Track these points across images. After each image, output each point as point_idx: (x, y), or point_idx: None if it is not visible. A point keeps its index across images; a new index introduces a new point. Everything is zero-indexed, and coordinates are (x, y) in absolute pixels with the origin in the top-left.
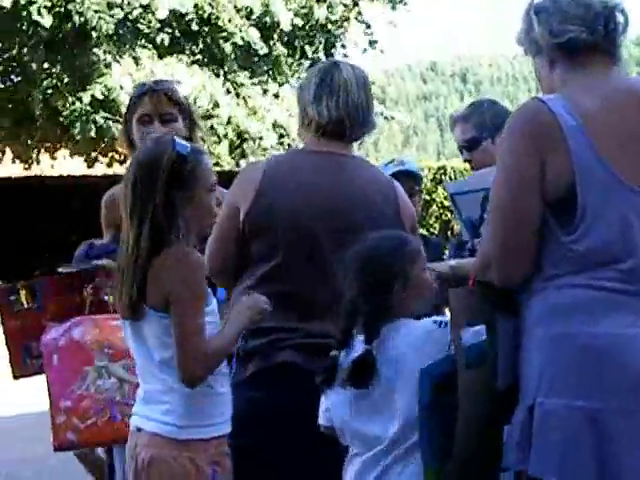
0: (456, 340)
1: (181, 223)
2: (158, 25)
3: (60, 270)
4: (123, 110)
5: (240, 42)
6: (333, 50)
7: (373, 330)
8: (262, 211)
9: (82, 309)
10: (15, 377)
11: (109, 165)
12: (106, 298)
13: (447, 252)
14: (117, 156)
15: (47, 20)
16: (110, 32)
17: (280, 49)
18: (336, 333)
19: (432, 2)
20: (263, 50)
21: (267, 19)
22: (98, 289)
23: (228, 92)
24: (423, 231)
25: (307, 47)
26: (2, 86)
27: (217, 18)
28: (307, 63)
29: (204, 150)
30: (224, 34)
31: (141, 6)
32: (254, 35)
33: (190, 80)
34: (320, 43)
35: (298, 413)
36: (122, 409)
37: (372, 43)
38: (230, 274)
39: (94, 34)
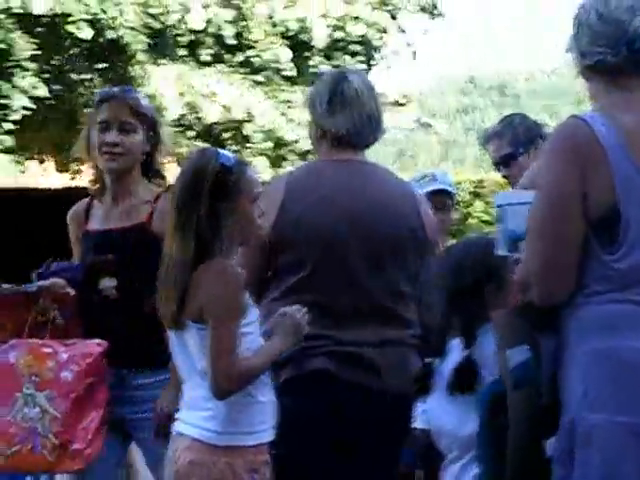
0: (502, 362)
1: (224, 234)
2: (193, 37)
3: (2, 288)
4: (165, 116)
5: (271, 58)
6: (372, 62)
7: (471, 334)
8: (288, 224)
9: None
10: None
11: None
12: (57, 320)
13: None
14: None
15: (86, 32)
16: (143, 48)
17: (317, 59)
18: (431, 341)
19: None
20: (292, 72)
21: (302, 36)
22: (44, 311)
23: (267, 98)
24: None
25: (347, 58)
26: (48, 95)
27: (251, 32)
28: None
29: (248, 162)
30: (257, 51)
31: (177, 20)
32: (283, 56)
33: (228, 89)
34: (359, 54)
35: (330, 421)
36: (42, 441)
37: (412, 58)
38: (255, 287)
39: (128, 49)
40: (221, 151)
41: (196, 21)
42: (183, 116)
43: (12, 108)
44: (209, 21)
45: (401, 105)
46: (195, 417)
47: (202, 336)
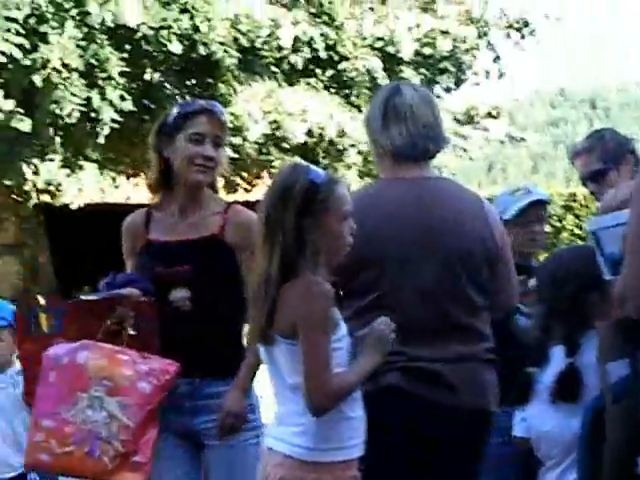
0: (603, 376)
1: (310, 251)
2: (283, 53)
3: (82, 297)
4: (249, 135)
5: (362, 70)
6: (463, 77)
7: (573, 343)
8: (361, 244)
9: (92, 337)
10: (26, 402)
11: (247, 190)
12: (130, 330)
13: None
14: (251, 182)
15: (176, 46)
16: (234, 65)
17: (408, 73)
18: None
19: (560, 28)
20: (384, 80)
21: (390, 48)
22: (121, 319)
23: (359, 112)
24: None
25: (437, 75)
26: (134, 109)
27: (343, 46)
28: (437, 89)
29: (340, 179)
30: (348, 62)
31: (266, 35)
32: (376, 64)
33: (320, 108)
34: (448, 71)
35: (405, 437)
36: (104, 447)
37: (501, 75)
38: None
39: (219, 65)
40: (312, 167)
41: (285, 38)
42: (267, 136)
43: (102, 121)
44: (297, 38)
45: (492, 117)
46: (286, 432)
47: (292, 352)
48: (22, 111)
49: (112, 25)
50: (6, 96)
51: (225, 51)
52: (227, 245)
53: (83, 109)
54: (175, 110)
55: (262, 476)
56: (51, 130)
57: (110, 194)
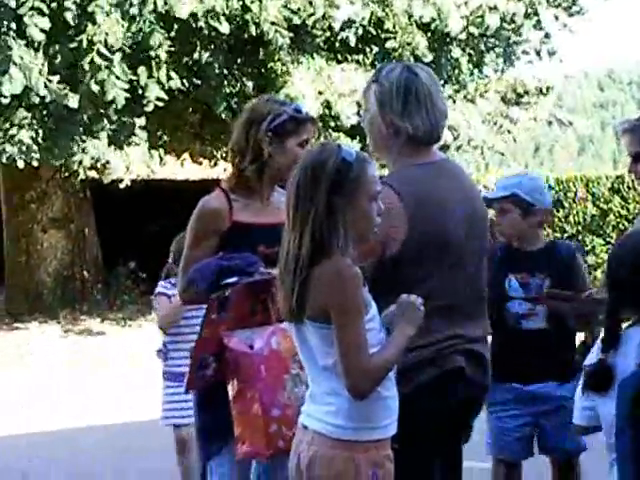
0: None
1: (342, 231)
2: (334, 32)
3: (244, 281)
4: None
5: (408, 48)
6: (513, 57)
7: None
8: (419, 236)
9: (248, 319)
10: (187, 389)
11: None
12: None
13: None
14: None
15: (225, 27)
16: (286, 45)
17: (457, 52)
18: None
19: (610, 8)
20: (427, 58)
21: (437, 24)
22: (272, 298)
23: None
24: (600, 240)
25: (486, 54)
26: (184, 88)
27: (391, 23)
28: (486, 69)
29: (370, 159)
30: (394, 41)
31: (321, 16)
32: (421, 43)
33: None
34: (498, 49)
35: (463, 418)
36: None
37: (551, 54)
38: None
39: (270, 46)
40: (343, 146)
41: (340, 18)
42: (320, 116)
43: (148, 98)
44: (349, 19)
45: (542, 94)
46: (319, 411)
47: (322, 335)
48: (67, 87)
49: (162, 11)
50: (52, 72)
51: (276, 31)
52: None
53: (126, 93)
54: (287, 112)
55: (294, 452)
56: (95, 108)
57: (156, 170)
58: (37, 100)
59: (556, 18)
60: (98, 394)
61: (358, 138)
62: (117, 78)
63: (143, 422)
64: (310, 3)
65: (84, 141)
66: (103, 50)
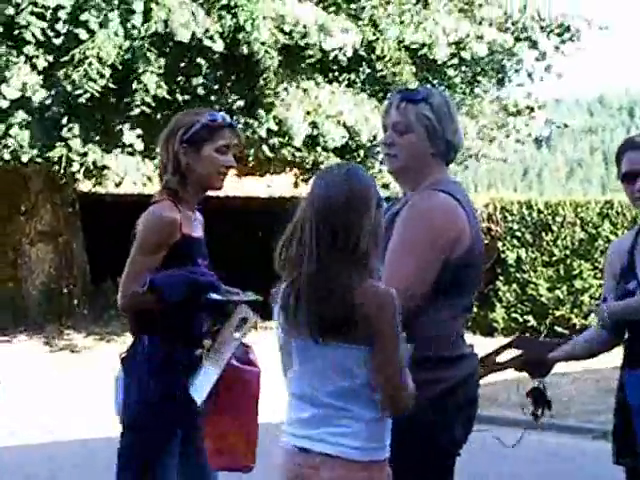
0: None
1: (373, 256)
2: (325, 53)
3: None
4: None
5: (397, 74)
6: (506, 77)
7: None
8: (476, 243)
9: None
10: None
11: (295, 185)
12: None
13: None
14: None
15: (219, 45)
16: (274, 66)
17: (450, 73)
18: None
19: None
20: (413, 84)
21: (425, 51)
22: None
23: None
24: (588, 264)
25: (477, 76)
26: (170, 98)
27: (380, 47)
28: (479, 90)
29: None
30: (382, 63)
31: (306, 38)
32: (407, 69)
33: (355, 110)
34: (487, 74)
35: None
36: None
37: (547, 68)
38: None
39: (260, 65)
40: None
41: (333, 44)
42: (310, 137)
43: (135, 102)
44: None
45: (532, 110)
46: (332, 434)
47: (352, 355)
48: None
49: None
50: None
51: (266, 51)
52: None
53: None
54: (200, 121)
55: (289, 477)
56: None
57: (146, 186)
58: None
59: (548, 37)
60: (80, 408)
61: (346, 157)
62: (97, 78)
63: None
64: (304, 27)
65: (64, 139)
66: (95, 64)
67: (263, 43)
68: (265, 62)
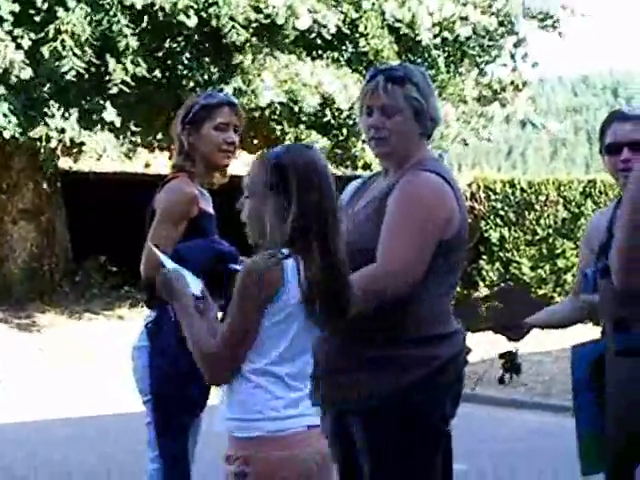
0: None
1: None
2: (299, 32)
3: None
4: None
5: (379, 53)
6: (488, 59)
7: None
8: (463, 225)
9: None
10: None
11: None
12: None
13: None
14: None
15: (193, 21)
16: (243, 41)
17: (433, 53)
18: None
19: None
20: (395, 62)
21: (407, 31)
22: None
23: None
24: (570, 243)
25: (460, 58)
26: (149, 76)
27: (363, 24)
28: (462, 69)
29: None
30: (367, 44)
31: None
32: (389, 49)
33: (336, 80)
34: (470, 55)
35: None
36: None
37: (525, 56)
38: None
39: (228, 40)
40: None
41: (303, 23)
42: (282, 104)
43: (114, 81)
44: (316, 21)
45: (517, 90)
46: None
47: None
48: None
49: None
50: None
51: (233, 27)
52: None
53: (89, 69)
54: (199, 102)
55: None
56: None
57: (127, 163)
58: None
59: (529, 24)
60: (63, 387)
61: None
62: (75, 55)
63: (107, 415)
64: (273, 7)
65: (49, 115)
66: (69, 41)
67: (232, 18)
68: (232, 37)
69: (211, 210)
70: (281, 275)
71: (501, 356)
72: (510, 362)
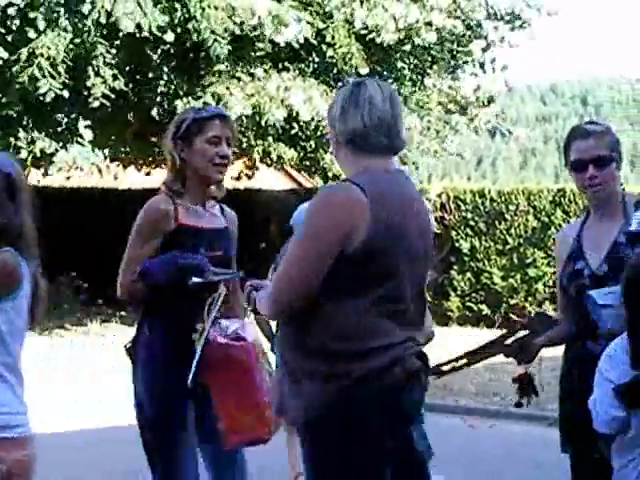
0: None
1: None
2: (276, 44)
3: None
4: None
5: (347, 60)
6: (457, 69)
7: None
8: (382, 233)
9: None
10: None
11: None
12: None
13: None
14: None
15: (170, 36)
16: (223, 55)
17: (402, 64)
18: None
19: (552, 23)
20: (365, 69)
21: (373, 36)
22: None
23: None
24: (541, 252)
25: (429, 66)
26: (127, 89)
27: (330, 34)
28: (428, 81)
29: None
30: (335, 54)
31: (259, 31)
32: (356, 52)
33: (301, 94)
34: (442, 62)
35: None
36: None
37: (493, 60)
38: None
39: (210, 52)
40: None
41: (287, 35)
42: (248, 117)
43: (94, 95)
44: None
45: (484, 105)
46: None
47: None
48: None
49: (104, 22)
50: None
51: (216, 40)
52: (232, 235)
53: (64, 92)
54: (190, 116)
55: None
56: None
57: (99, 178)
58: None
59: (496, 29)
60: (31, 403)
61: (297, 147)
62: (52, 77)
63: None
64: (258, 18)
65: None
66: (44, 64)
67: (213, 32)
68: (215, 50)
69: (206, 225)
70: None
71: (515, 380)
72: (529, 385)
